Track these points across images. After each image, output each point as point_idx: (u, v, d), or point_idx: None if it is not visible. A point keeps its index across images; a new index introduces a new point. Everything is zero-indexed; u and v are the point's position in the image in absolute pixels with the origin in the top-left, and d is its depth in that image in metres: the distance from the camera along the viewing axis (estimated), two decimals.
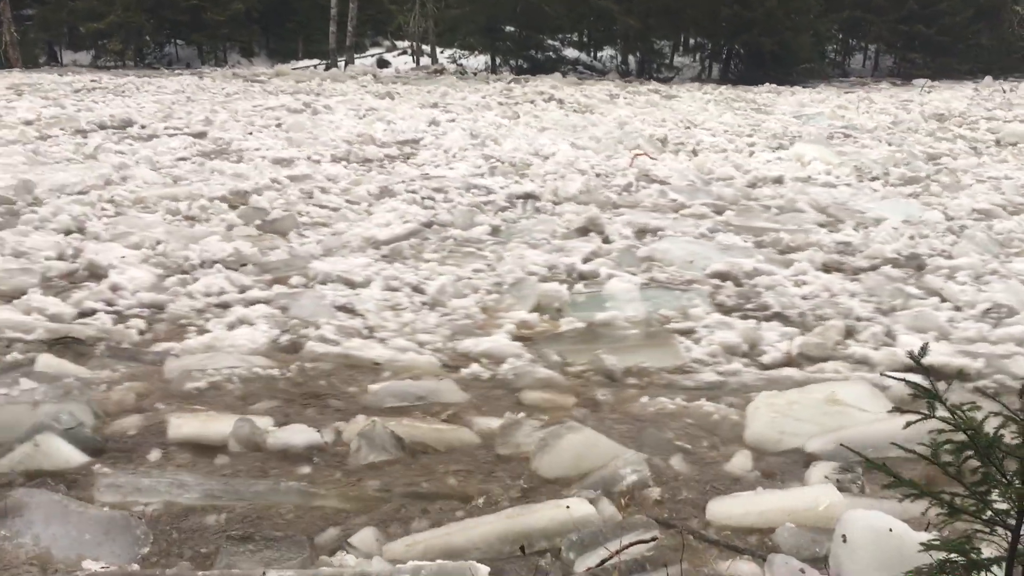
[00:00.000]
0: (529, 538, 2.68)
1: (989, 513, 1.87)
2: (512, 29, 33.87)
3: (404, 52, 36.28)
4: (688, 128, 14.71)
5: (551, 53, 34.33)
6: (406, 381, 4.10)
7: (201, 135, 12.42)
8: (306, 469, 3.27)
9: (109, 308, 5.11)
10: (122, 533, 2.74)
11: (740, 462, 3.34)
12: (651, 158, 11.05)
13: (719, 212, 8.07)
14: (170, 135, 12.32)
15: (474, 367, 4.36)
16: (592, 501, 2.89)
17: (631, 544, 2.55)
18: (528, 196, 8.55)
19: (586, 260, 6.30)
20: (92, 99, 17.56)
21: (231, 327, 4.81)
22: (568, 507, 2.78)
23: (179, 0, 31.42)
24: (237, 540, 2.73)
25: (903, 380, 2.03)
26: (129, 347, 4.57)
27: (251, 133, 12.76)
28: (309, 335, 4.68)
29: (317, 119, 14.55)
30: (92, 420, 3.56)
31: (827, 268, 6.21)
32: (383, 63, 34.51)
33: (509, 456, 3.37)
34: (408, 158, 10.94)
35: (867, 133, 14.38)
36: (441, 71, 32.57)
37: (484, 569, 2.44)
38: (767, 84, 26.72)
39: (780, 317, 5.20)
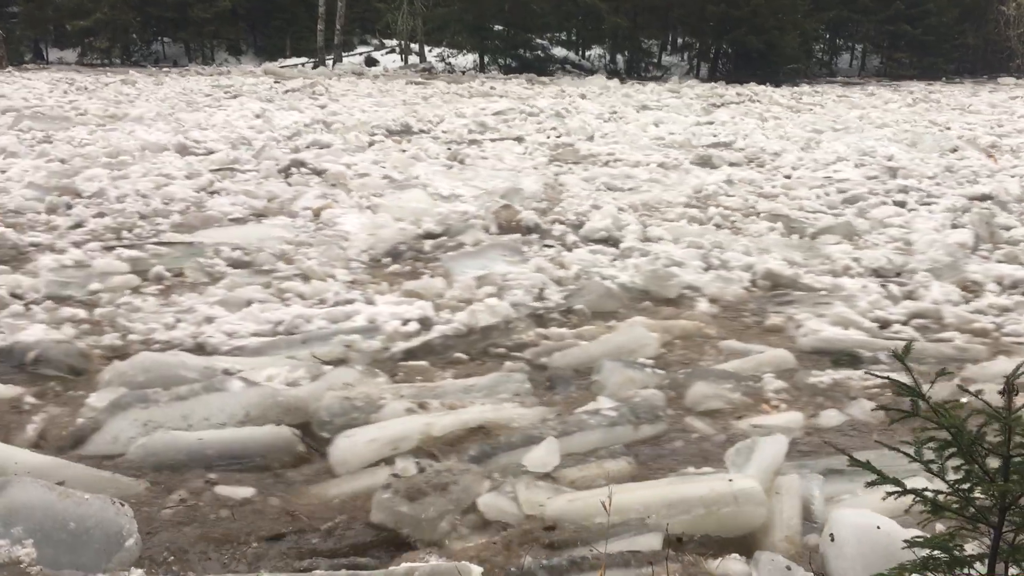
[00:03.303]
0: (687, 505, 2.76)
1: (972, 510, 1.88)
2: (501, 28, 33.86)
3: (392, 51, 36.20)
4: (948, 128, 15.08)
5: (539, 52, 34.35)
6: None
7: (521, 139, 12.70)
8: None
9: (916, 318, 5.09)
10: (105, 523, 2.60)
11: None
12: (992, 157, 11.28)
13: None
14: (494, 140, 12.55)
15: None
16: None
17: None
18: (986, 197, 8.68)
19: None
20: (307, 103, 17.16)
21: None
22: (731, 480, 2.85)
23: None
24: None
25: (887, 378, 2.04)
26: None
27: (548, 137, 13.08)
28: None
29: (578, 122, 14.72)
30: None
31: None
32: (371, 62, 34.43)
33: None
34: (761, 164, 11.00)
35: None
36: (430, 70, 32.53)
37: (477, 569, 2.45)
38: (914, 81, 27.82)
39: None
